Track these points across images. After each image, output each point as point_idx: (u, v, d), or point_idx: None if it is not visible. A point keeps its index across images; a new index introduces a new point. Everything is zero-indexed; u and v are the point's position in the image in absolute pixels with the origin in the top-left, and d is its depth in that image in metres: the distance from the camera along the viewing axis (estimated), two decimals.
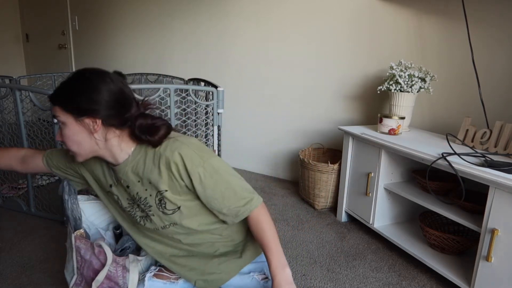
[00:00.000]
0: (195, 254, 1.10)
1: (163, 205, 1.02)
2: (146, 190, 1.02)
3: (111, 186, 1.08)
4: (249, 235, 1.14)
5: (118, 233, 1.30)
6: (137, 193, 1.03)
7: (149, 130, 0.96)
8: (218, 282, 1.08)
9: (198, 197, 1.00)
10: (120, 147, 0.99)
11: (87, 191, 1.35)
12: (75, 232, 1.21)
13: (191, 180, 0.96)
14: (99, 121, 0.93)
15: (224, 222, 1.04)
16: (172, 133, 1.01)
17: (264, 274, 1.11)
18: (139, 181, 1.01)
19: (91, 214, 1.37)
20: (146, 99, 1.01)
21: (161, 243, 1.12)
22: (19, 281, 1.46)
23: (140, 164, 1.00)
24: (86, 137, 0.95)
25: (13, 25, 4.89)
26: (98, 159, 1.06)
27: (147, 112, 1.00)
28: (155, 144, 0.97)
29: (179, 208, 1.01)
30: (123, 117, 0.95)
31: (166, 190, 0.99)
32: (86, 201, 1.36)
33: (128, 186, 1.03)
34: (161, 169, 0.97)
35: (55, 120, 0.98)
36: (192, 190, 0.99)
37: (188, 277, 1.09)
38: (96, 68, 0.96)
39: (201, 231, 1.06)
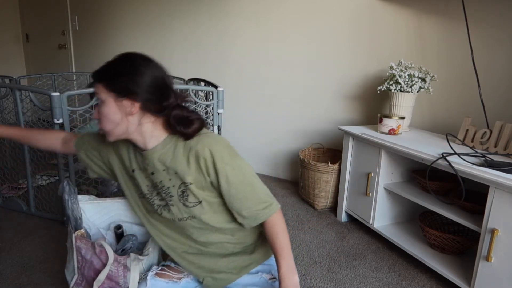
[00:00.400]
0: (205, 253, 1.11)
1: (185, 197, 1.02)
2: (170, 180, 1.02)
3: (133, 171, 1.08)
4: (259, 238, 1.15)
5: (119, 233, 1.30)
6: (161, 181, 1.03)
7: (184, 121, 0.98)
8: (226, 281, 1.09)
9: (220, 195, 1.02)
10: (153, 133, 1.00)
11: (95, 186, 1.34)
12: (76, 232, 1.21)
13: (217, 177, 0.98)
14: (137, 105, 0.95)
15: (240, 224, 1.05)
16: (204, 129, 1.03)
17: (272, 274, 1.12)
18: (164, 170, 1.02)
19: (92, 214, 1.37)
20: (182, 91, 1.04)
21: (172, 238, 1.12)
22: (19, 281, 1.46)
23: (168, 154, 1.01)
24: (121, 118, 0.96)
25: (13, 25, 4.89)
26: (126, 142, 1.07)
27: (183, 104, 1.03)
28: (188, 136, 0.99)
29: (200, 202, 1.03)
30: (161, 104, 0.97)
31: (191, 183, 1.00)
32: (87, 201, 1.36)
33: (152, 173, 1.04)
34: (190, 162, 0.99)
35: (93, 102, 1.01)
36: (217, 188, 1.00)
37: (196, 273, 1.09)
38: (142, 53, 0.99)
39: (216, 229, 1.07)
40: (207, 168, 0.98)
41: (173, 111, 0.98)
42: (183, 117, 0.98)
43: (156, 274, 1.09)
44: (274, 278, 1.10)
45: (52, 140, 1.24)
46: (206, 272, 1.09)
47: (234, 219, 1.06)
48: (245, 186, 0.99)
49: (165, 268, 1.13)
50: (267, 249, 1.14)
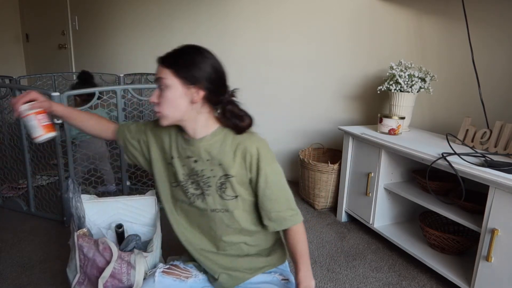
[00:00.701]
0: (222, 253, 1.12)
1: (223, 189, 1.06)
2: (212, 170, 1.06)
3: (172, 158, 1.10)
4: (276, 243, 1.18)
5: (120, 232, 1.30)
6: (202, 170, 1.06)
7: (238, 116, 1.04)
8: (240, 280, 1.12)
9: (254, 195, 1.07)
10: (206, 123, 1.05)
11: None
12: (78, 231, 1.21)
13: (258, 175, 1.03)
14: (201, 94, 1.00)
15: (263, 227, 1.10)
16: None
17: (284, 276, 1.15)
18: (208, 160, 1.05)
19: (93, 214, 1.37)
20: (234, 89, 1.09)
21: (193, 233, 1.13)
22: (19, 281, 1.46)
23: (216, 145, 1.05)
24: (184, 104, 1.00)
25: (13, 25, 4.90)
26: (168, 129, 1.10)
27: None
28: (240, 130, 1.04)
29: (236, 197, 1.06)
30: (219, 97, 1.03)
31: (233, 176, 1.05)
32: (88, 200, 1.36)
33: (196, 161, 1.06)
34: (236, 156, 1.04)
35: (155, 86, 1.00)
36: (254, 185, 1.05)
37: (212, 269, 1.11)
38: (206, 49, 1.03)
39: (241, 230, 1.10)
40: (251, 164, 1.03)
41: (227, 105, 1.04)
42: (237, 112, 1.04)
43: (164, 271, 1.10)
44: (287, 279, 1.14)
45: (102, 129, 1.24)
46: (222, 269, 1.11)
47: (259, 222, 1.11)
48: (279, 190, 1.06)
49: (173, 267, 1.13)
50: (282, 254, 1.18)
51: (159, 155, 1.14)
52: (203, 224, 1.12)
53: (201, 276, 1.14)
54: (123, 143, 1.19)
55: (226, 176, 1.04)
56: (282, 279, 1.13)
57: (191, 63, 0.98)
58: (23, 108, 1.07)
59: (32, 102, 1.08)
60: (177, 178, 1.10)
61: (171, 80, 0.98)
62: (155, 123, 1.13)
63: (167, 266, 1.13)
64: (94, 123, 1.22)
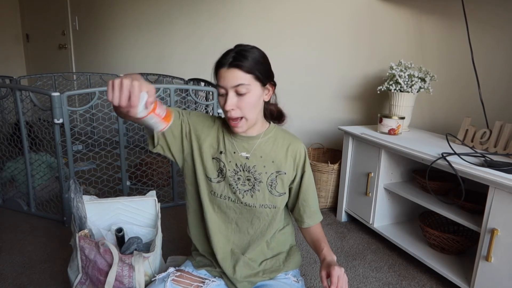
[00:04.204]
0: (248, 259, 1.13)
1: (273, 186, 1.10)
2: (264, 166, 1.09)
3: (221, 152, 1.10)
4: (291, 249, 1.22)
5: (120, 236, 1.30)
6: (254, 166, 1.08)
7: (278, 110, 1.15)
8: (258, 282, 1.13)
9: (288, 193, 1.15)
10: (263, 121, 1.11)
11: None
12: (80, 232, 1.21)
13: (303, 173, 1.12)
14: (272, 88, 1.08)
15: (300, 223, 1.19)
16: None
17: (295, 277, 1.18)
18: (261, 157, 1.09)
19: (93, 215, 1.37)
20: None
21: (228, 233, 1.12)
22: (19, 281, 1.46)
23: (268, 143, 1.10)
24: (262, 104, 1.06)
25: (13, 25, 4.90)
26: (213, 123, 1.12)
27: None
28: (281, 122, 1.16)
29: (284, 193, 1.12)
30: (275, 85, 1.10)
31: (285, 173, 1.10)
32: (88, 201, 1.36)
33: (248, 157, 1.08)
34: (288, 155, 1.10)
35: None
36: (296, 184, 1.13)
37: (234, 278, 1.11)
38: None
39: (273, 229, 1.14)
40: (298, 164, 1.12)
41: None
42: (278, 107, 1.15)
43: (174, 280, 1.07)
44: (298, 281, 1.17)
45: None
46: (243, 277, 1.11)
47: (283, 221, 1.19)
48: (314, 190, 1.17)
49: (184, 274, 1.11)
50: (297, 260, 1.22)
51: (203, 149, 1.09)
52: (243, 221, 1.12)
53: (216, 282, 1.11)
54: (165, 144, 1.09)
55: (278, 172, 1.09)
56: (293, 280, 1.15)
57: (263, 62, 1.02)
58: (140, 110, 0.82)
59: (144, 97, 0.81)
60: (224, 173, 1.09)
61: (253, 85, 0.99)
62: (199, 117, 1.12)
63: (178, 274, 1.10)
64: None
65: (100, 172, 2.11)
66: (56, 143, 1.80)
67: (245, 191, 1.09)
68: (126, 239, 1.30)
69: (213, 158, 1.10)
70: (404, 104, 1.86)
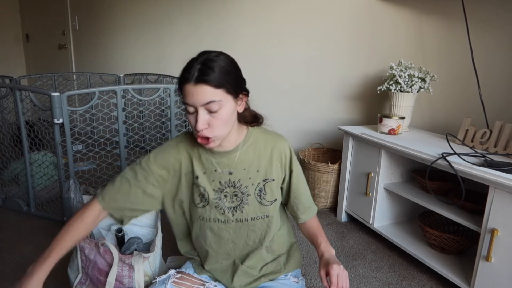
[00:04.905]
0: (244, 270, 1.11)
1: (262, 195, 1.04)
2: (250, 178, 1.02)
3: (197, 177, 1.01)
4: (291, 249, 1.20)
5: (120, 236, 1.30)
6: (239, 180, 1.01)
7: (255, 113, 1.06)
8: (258, 284, 1.11)
9: (280, 193, 1.10)
10: (239, 129, 1.02)
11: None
12: None
13: (291, 171, 1.07)
14: (245, 98, 0.98)
15: (297, 219, 1.16)
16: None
17: (296, 278, 1.16)
18: (244, 169, 1.01)
19: None
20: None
21: (225, 253, 1.09)
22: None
23: (249, 151, 1.02)
24: (234, 117, 0.96)
25: (13, 25, 4.90)
26: (177, 150, 1.02)
27: None
28: (259, 123, 1.07)
29: (275, 200, 1.06)
30: (248, 93, 1.01)
31: (274, 180, 1.04)
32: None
33: (230, 173, 1.01)
34: (272, 159, 1.04)
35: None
36: (286, 183, 1.09)
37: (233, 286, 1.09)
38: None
39: (270, 234, 1.10)
40: (285, 164, 1.06)
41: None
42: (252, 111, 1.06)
43: (175, 282, 1.05)
44: (298, 282, 1.15)
45: (91, 222, 1.05)
46: (244, 285, 1.10)
47: (280, 222, 1.14)
48: (305, 184, 1.13)
49: (185, 276, 1.09)
50: (298, 260, 1.19)
51: (175, 182, 1.04)
52: (239, 238, 1.07)
53: (217, 287, 1.09)
54: (119, 215, 1.02)
55: (265, 180, 1.03)
56: (293, 281, 1.14)
57: (233, 71, 0.91)
58: None
59: None
60: (206, 197, 1.02)
61: (225, 99, 0.89)
62: (158, 156, 1.01)
63: (179, 276, 1.08)
64: (84, 229, 1.04)
65: (100, 172, 2.11)
66: (56, 143, 1.80)
67: (233, 208, 1.03)
68: (126, 239, 1.30)
69: (192, 184, 1.03)
70: (404, 104, 1.85)
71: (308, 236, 1.15)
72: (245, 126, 1.04)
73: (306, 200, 1.13)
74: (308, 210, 1.14)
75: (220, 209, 1.03)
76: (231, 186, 1.02)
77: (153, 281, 1.07)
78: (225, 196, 1.03)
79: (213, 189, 1.02)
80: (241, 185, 1.02)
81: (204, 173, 1.02)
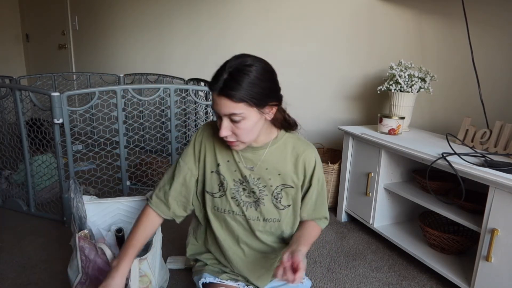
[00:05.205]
0: (255, 261, 1.12)
1: (279, 199, 1.05)
2: (270, 179, 1.03)
3: (219, 165, 1.03)
4: None
5: (120, 236, 1.30)
6: (259, 178, 1.03)
7: (290, 117, 1.07)
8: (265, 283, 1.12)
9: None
10: (269, 130, 1.03)
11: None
12: (79, 233, 1.21)
13: (312, 178, 1.07)
14: (275, 108, 0.98)
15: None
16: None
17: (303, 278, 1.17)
18: (266, 169, 1.02)
19: (93, 215, 1.37)
20: None
21: (236, 246, 1.10)
22: (19, 281, 1.46)
23: (276, 153, 1.03)
24: (260, 125, 0.97)
25: (13, 25, 4.90)
26: (211, 135, 1.06)
27: None
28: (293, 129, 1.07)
29: (289, 206, 1.07)
30: (281, 98, 1.01)
31: (292, 187, 1.04)
32: (88, 201, 1.36)
33: (252, 168, 1.02)
34: (297, 167, 1.04)
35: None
36: (306, 188, 1.09)
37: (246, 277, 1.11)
38: (247, 53, 0.95)
39: (281, 237, 1.11)
40: (306, 175, 1.05)
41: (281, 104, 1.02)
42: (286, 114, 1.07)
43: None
44: (301, 282, 1.16)
45: (153, 224, 1.13)
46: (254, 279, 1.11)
47: (285, 238, 1.12)
48: (323, 197, 1.12)
49: (216, 284, 1.09)
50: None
51: (206, 165, 1.07)
52: (247, 234, 1.08)
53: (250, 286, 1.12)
54: (185, 200, 1.10)
55: (284, 186, 1.03)
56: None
57: (261, 84, 0.90)
58: None
59: None
60: (224, 187, 1.04)
61: (248, 111, 0.90)
62: (189, 152, 1.06)
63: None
64: (149, 231, 1.11)
65: (100, 172, 2.11)
66: (56, 143, 1.80)
67: (249, 203, 1.05)
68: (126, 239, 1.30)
69: (212, 172, 1.06)
70: (404, 104, 1.85)
71: (297, 234, 1.09)
72: (277, 129, 1.05)
73: (314, 206, 1.11)
74: (312, 212, 1.11)
75: (236, 200, 1.05)
76: (251, 182, 1.04)
77: None
78: (244, 189, 1.04)
79: (233, 179, 1.04)
80: (260, 183, 1.03)
81: (228, 161, 1.04)
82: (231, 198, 1.05)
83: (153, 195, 1.12)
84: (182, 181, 1.08)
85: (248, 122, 0.92)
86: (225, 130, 0.93)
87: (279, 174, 1.03)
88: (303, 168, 1.05)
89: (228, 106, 0.89)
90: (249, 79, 0.88)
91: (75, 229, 1.22)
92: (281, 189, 1.04)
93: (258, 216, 1.05)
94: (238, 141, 0.95)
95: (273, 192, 1.04)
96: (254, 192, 1.04)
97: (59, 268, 1.54)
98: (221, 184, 1.05)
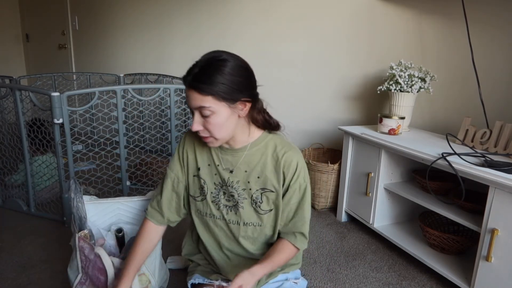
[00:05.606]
0: (240, 265, 1.11)
1: (258, 203, 1.02)
2: (249, 182, 1.01)
3: (199, 169, 1.03)
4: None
5: (120, 237, 1.29)
6: (238, 181, 1.01)
7: (269, 117, 1.03)
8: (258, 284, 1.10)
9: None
10: (249, 131, 1.01)
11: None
12: (79, 233, 1.21)
13: (289, 186, 1.00)
14: (248, 105, 0.95)
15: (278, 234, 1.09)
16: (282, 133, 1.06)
17: (295, 279, 1.15)
18: (245, 171, 1.01)
19: (93, 215, 1.37)
20: None
21: (222, 251, 1.10)
22: (19, 281, 1.46)
23: (256, 155, 1.01)
24: (234, 122, 0.95)
25: (13, 25, 4.90)
26: (192, 139, 1.05)
27: None
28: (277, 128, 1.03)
29: (271, 210, 1.03)
30: (257, 96, 0.99)
31: (273, 191, 1.01)
32: (88, 201, 1.36)
33: (231, 171, 1.01)
34: (277, 170, 1.00)
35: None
36: (285, 195, 1.02)
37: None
38: (221, 50, 0.94)
39: (266, 242, 1.08)
40: (289, 177, 1.00)
41: (258, 103, 1.00)
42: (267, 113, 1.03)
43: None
44: (296, 282, 1.14)
45: (155, 236, 1.15)
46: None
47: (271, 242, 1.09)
48: (304, 205, 1.03)
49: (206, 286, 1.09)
50: (298, 263, 1.18)
51: (187, 171, 1.08)
52: (231, 243, 1.08)
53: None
54: (177, 207, 1.11)
55: (263, 189, 1.01)
56: (293, 282, 1.14)
57: (230, 80, 0.89)
58: None
59: None
60: (204, 191, 1.04)
61: (217, 106, 0.90)
62: (181, 146, 1.07)
63: None
64: (149, 245, 1.12)
65: (100, 172, 2.11)
66: (56, 143, 1.80)
67: (229, 207, 1.04)
68: (126, 240, 1.30)
69: (193, 176, 1.06)
70: (404, 104, 1.85)
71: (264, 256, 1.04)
72: (259, 130, 1.03)
73: (295, 223, 1.03)
74: (290, 226, 1.04)
75: (216, 204, 1.04)
76: (229, 185, 1.02)
77: None
78: (224, 193, 1.03)
79: (214, 183, 1.03)
80: (239, 186, 1.02)
81: (209, 165, 1.03)
82: (212, 202, 1.04)
83: (148, 206, 1.15)
84: (171, 188, 1.09)
85: (219, 117, 0.91)
86: (197, 125, 0.93)
87: (258, 177, 1.00)
88: (283, 173, 1.00)
89: (196, 99, 0.90)
90: (219, 73, 0.89)
91: (75, 229, 1.22)
92: (261, 193, 1.01)
93: (238, 220, 1.04)
94: (211, 137, 0.95)
95: (252, 196, 1.01)
96: (232, 196, 1.03)
97: (59, 268, 1.54)
98: (201, 188, 1.05)
